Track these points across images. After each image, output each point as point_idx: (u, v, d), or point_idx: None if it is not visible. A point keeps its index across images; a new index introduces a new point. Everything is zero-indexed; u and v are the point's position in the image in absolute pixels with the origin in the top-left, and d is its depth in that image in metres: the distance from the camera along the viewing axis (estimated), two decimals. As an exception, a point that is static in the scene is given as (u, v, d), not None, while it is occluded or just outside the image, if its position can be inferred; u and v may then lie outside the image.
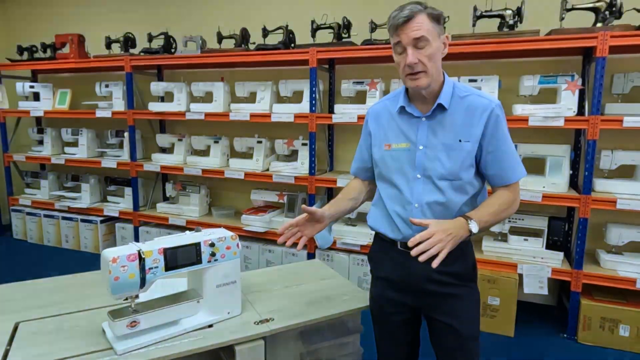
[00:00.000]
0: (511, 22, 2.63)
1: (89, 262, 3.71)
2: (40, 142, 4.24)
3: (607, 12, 2.45)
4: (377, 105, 1.46)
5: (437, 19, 1.23)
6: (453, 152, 1.26)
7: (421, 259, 1.12)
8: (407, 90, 1.34)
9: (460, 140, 1.26)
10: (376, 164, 1.40)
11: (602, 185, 2.51)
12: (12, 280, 1.67)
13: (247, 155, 3.45)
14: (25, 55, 4.16)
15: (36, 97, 4.16)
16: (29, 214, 4.17)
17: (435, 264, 1.12)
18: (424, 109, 1.31)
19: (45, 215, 4.10)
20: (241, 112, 3.24)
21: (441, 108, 1.28)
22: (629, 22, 2.41)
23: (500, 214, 1.29)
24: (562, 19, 2.51)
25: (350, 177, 1.59)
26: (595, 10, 2.50)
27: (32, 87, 4.10)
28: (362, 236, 2.95)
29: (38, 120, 4.49)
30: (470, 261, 1.34)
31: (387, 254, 1.38)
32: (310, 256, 3.11)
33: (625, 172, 2.57)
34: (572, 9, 2.51)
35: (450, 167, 1.26)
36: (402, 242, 1.32)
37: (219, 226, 1.54)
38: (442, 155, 1.26)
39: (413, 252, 1.13)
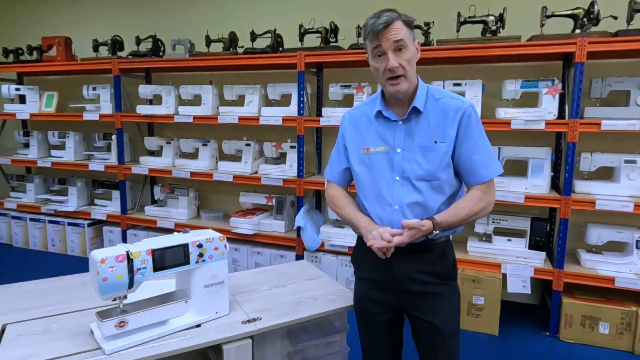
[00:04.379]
0: (494, 27, 2.71)
1: (76, 266, 3.67)
2: (26, 145, 4.19)
3: (585, 19, 2.53)
4: (354, 110, 1.49)
5: (411, 25, 1.29)
6: (430, 153, 1.30)
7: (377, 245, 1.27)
8: (383, 95, 1.38)
9: (435, 142, 1.30)
10: (354, 168, 1.43)
11: (581, 187, 2.59)
12: (-3, 284, 1.67)
13: (236, 158, 3.46)
14: (11, 58, 4.13)
15: (22, 99, 4.12)
16: (14, 217, 4.13)
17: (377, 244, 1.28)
18: (400, 113, 1.35)
19: (31, 219, 4.05)
20: (230, 115, 3.25)
21: (416, 111, 1.32)
22: (605, 29, 2.49)
23: (469, 217, 1.31)
24: (542, 25, 2.59)
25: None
26: (573, 17, 2.59)
27: (18, 89, 4.06)
28: (350, 238, 2.98)
29: (24, 123, 4.44)
30: (450, 261, 1.38)
31: (370, 256, 1.40)
32: (299, 257, 3.13)
33: (603, 174, 2.64)
34: (552, 15, 2.59)
35: (428, 168, 1.30)
36: None
37: (207, 229, 1.56)
38: (419, 157, 1.31)
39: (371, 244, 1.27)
